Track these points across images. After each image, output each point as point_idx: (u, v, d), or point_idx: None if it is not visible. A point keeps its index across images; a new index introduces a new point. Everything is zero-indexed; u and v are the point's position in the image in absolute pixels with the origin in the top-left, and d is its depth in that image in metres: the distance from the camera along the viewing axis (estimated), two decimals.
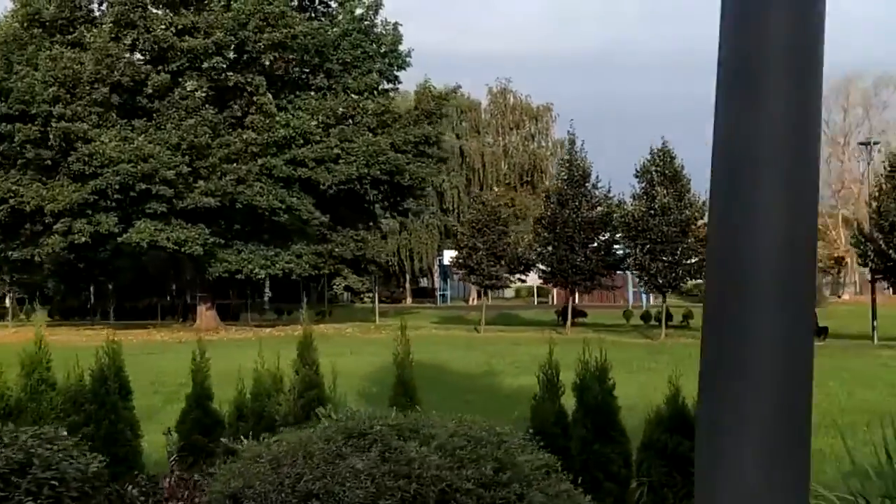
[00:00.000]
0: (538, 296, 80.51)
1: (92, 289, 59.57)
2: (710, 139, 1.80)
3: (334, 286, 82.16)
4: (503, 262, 39.68)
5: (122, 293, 56.11)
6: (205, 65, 37.47)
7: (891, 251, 28.44)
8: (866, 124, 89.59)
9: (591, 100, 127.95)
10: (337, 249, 41.89)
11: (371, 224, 45.17)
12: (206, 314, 43.42)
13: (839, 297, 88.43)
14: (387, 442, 5.00)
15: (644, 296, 59.98)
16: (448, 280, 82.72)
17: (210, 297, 43.88)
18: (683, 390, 20.16)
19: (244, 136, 38.50)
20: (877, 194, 29.56)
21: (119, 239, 36.90)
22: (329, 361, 25.26)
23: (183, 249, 37.53)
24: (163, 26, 37.53)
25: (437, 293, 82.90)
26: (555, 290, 75.61)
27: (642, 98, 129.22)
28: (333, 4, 42.82)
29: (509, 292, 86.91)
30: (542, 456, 5.38)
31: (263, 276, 40.46)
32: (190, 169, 36.74)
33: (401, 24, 42.16)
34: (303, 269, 41.20)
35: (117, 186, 35.31)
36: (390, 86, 43.61)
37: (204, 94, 37.91)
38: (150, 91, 37.44)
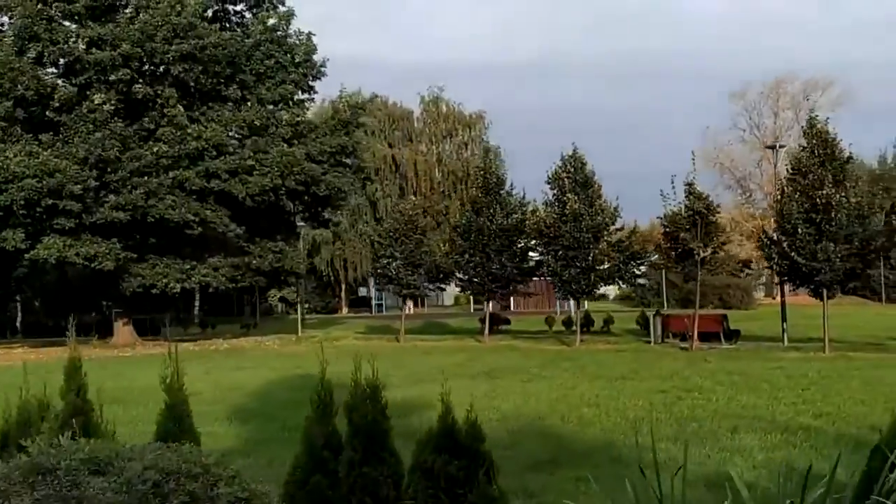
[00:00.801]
0: (475, 303, 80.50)
1: (19, 306, 58.65)
2: None
3: (269, 297, 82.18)
4: (422, 271, 39.54)
5: (48, 309, 55.12)
6: (112, 77, 36.88)
7: (793, 253, 28.68)
8: (796, 127, 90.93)
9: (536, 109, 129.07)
10: (255, 262, 41.46)
11: (289, 236, 44.75)
12: (122, 329, 42.76)
13: (773, 297, 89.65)
14: (73, 478, 4.77)
15: (572, 302, 60.19)
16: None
17: (126, 312, 43.20)
18: (542, 398, 19.77)
19: (155, 149, 37.98)
20: (779, 196, 29.82)
21: (27, 255, 36.18)
22: (224, 376, 24.92)
23: (93, 265, 36.90)
24: (69, 38, 36.92)
25: (373, 303, 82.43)
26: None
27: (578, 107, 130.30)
28: (247, 15, 42.48)
29: (448, 300, 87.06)
30: (248, 486, 5.18)
31: (178, 289, 39.81)
32: (98, 183, 36.16)
33: (314, 34, 42.02)
34: (220, 282, 40.73)
35: (22, 202, 34.59)
36: (306, 96, 43.31)
37: (112, 107, 37.29)
38: (57, 104, 36.75)
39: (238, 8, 43.08)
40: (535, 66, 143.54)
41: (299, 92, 42.16)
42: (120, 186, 37.29)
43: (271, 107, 40.68)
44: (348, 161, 42.50)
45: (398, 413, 16.99)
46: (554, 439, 14.00)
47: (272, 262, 41.84)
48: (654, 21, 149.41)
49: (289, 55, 41.07)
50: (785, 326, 32.84)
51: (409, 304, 79.45)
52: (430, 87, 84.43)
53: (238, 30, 41.66)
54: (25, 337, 51.69)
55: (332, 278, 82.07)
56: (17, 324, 57.89)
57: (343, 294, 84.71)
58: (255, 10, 42.29)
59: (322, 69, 42.44)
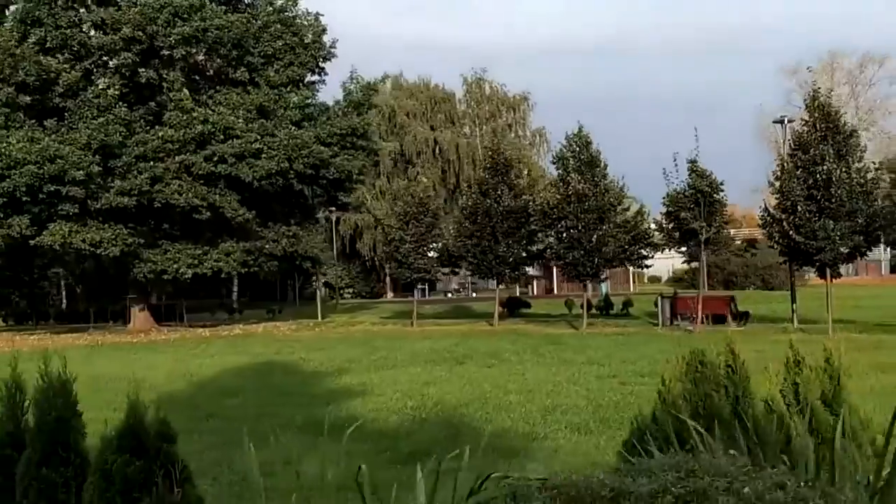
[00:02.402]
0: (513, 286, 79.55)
1: (63, 292, 59.46)
2: None
3: (313, 283, 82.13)
4: (433, 255, 38.81)
5: (87, 296, 55.67)
6: (114, 62, 36.76)
7: (792, 232, 27.34)
8: (852, 103, 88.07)
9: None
10: (268, 246, 41.12)
11: (305, 220, 44.25)
12: (138, 315, 42.83)
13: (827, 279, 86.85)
14: None
15: (602, 285, 58.92)
16: None
17: (142, 297, 43.26)
18: (482, 385, 18.73)
19: (161, 134, 37.79)
20: (779, 174, 28.41)
21: (32, 242, 36.27)
22: (191, 363, 24.39)
23: (98, 251, 36.88)
24: (72, 23, 36.86)
25: (417, 287, 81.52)
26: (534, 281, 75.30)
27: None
28: None
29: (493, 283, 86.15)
30: None
31: (190, 275, 39.62)
32: (101, 168, 35.99)
33: (322, 15, 41.36)
34: (231, 267, 40.44)
35: (24, 188, 34.63)
36: (316, 78, 42.70)
37: (117, 92, 37.20)
38: (62, 90, 36.75)
39: None
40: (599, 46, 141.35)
41: (308, 74, 41.50)
42: (125, 172, 37.19)
43: (279, 89, 40.08)
44: (359, 143, 41.71)
45: (324, 401, 16.46)
46: (453, 429, 13.26)
47: (286, 247, 41.43)
48: None
49: (297, 37, 40.45)
50: (795, 307, 31.44)
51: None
52: (474, 69, 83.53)
53: (246, 11, 41.09)
54: (59, 323, 52.26)
55: (377, 263, 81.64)
56: (63, 308, 58.62)
57: (387, 279, 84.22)
58: None
59: (332, 50, 41.79)
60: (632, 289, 72.05)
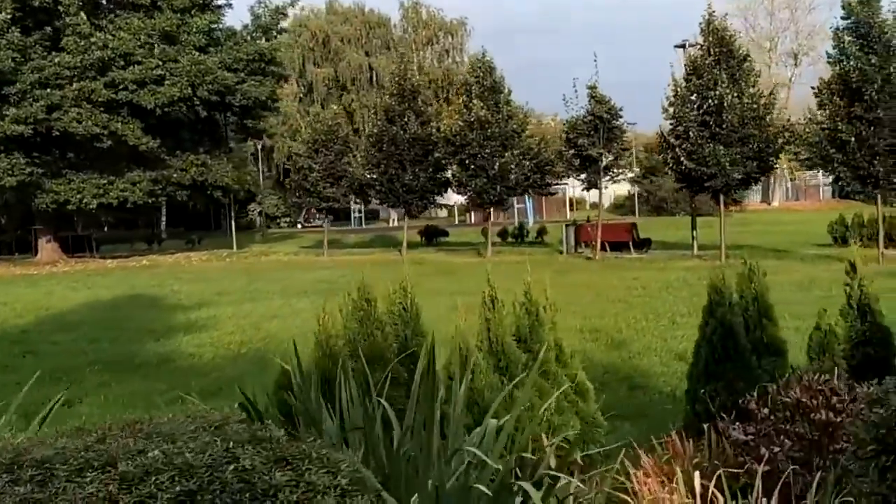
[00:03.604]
0: (459, 215, 79.24)
1: None
2: None
3: (249, 212, 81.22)
4: (342, 183, 38.09)
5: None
6: None
7: (683, 158, 27.01)
8: (792, 28, 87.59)
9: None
10: (175, 175, 40.24)
11: (215, 148, 43.23)
12: (45, 247, 41.90)
13: (769, 203, 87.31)
14: None
15: (529, 212, 58.84)
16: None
17: (50, 229, 42.25)
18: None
19: (57, 60, 36.55)
20: (672, 99, 27.91)
21: None
22: (57, 296, 23.67)
23: None
24: None
25: (353, 216, 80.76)
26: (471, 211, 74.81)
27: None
28: None
29: (442, 212, 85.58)
30: None
31: (95, 205, 38.72)
32: None
33: None
34: (137, 196, 39.43)
35: None
36: (223, 1, 41.36)
37: (9, 16, 35.78)
38: None
39: None
40: None
41: None
42: (20, 99, 36.02)
43: (183, 14, 38.82)
44: (272, 69, 40.68)
45: (157, 336, 15.85)
46: (261, 366, 12.81)
47: (195, 176, 40.60)
48: None
49: None
50: (695, 234, 31.27)
51: (394, 216, 78.84)
52: None
53: None
54: None
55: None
56: None
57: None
58: None
59: None
60: (569, 216, 71.82)
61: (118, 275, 32.44)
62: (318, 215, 68.77)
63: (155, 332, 16.39)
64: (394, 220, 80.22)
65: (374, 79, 78.47)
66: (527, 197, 52.37)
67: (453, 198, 56.66)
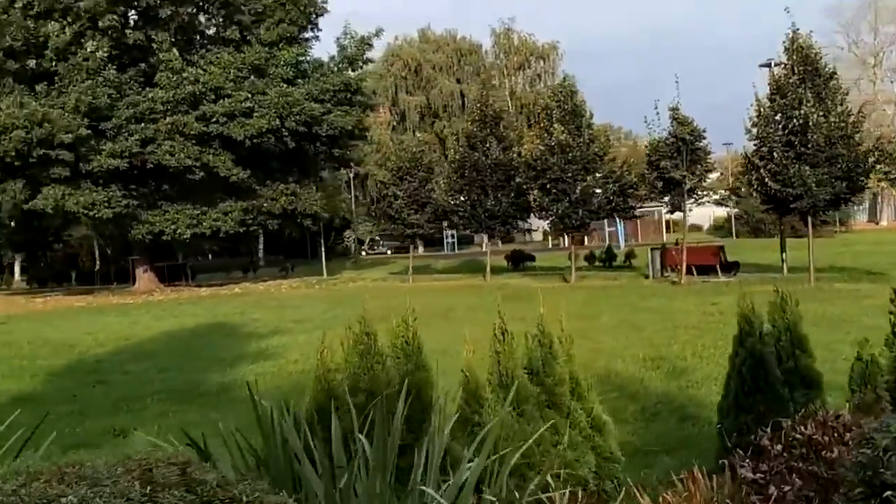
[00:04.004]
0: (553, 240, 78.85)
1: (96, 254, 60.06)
2: None
3: (345, 239, 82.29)
4: (427, 210, 38.31)
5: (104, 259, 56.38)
6: (102, 23, 36.69)
7: (767, 179, 26.41)
8: None
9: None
10: (266, 204, 41.08)
11: (305, 177, 44.02)
12: (143, 277, 43.17)
13: (877, 223, 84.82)
14: None
15: (621, 236, 58.22)
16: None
17: (146, 259, 43.53)
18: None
19: (151, 95, 37.79)
20: (756, 119, 27.33)
21: (26, 206, 36.56)
22: (141, 325, 24.27)
23: (91, 213, 37.07)
24: None
25: (445, 241, 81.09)
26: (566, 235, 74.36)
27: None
28: None
29: (537, 235, 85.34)
30: None
31: (188, 235, 39.80)
32: (90, 131, 36.04)
33: None
34: (230, 226, 40.43)
35: (13, 153, 34.85)
36: (311, 34, 42.23)
37: (106, 54, 37.12)
38: (52, 54, 36.85)
39: None
40: None
41: (301, 31, 40.94)
42: (116, 134, 37.29)
43: (272, 47, 39.74)
44: (354, 99, 41.30)
45: (226, 364, 16.15)
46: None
47: (284, 205, 41.36)
48: None
49: None
50: (784, 257, 30.54)
51: (485, 240, 78.83)
52: (502, 19, 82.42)
53: None
54: (81, 284, 52.83)
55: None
56: (95, 270, 59.29)
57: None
58: None
59: (324, 6, 41.34)
60: (664, 238, 70.82)
61: (207, 303, 33.15)
62: (404, 242, 70.05)
63: (224, 360, 16.70)
64: (486, 245, 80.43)
65: (465, 105, 78.84)
66: (617, 220, 51.87)
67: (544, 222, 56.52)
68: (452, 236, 79.34)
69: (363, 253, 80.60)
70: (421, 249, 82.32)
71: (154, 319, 26.32)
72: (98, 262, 59.93)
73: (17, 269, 62.25)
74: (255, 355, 17.14)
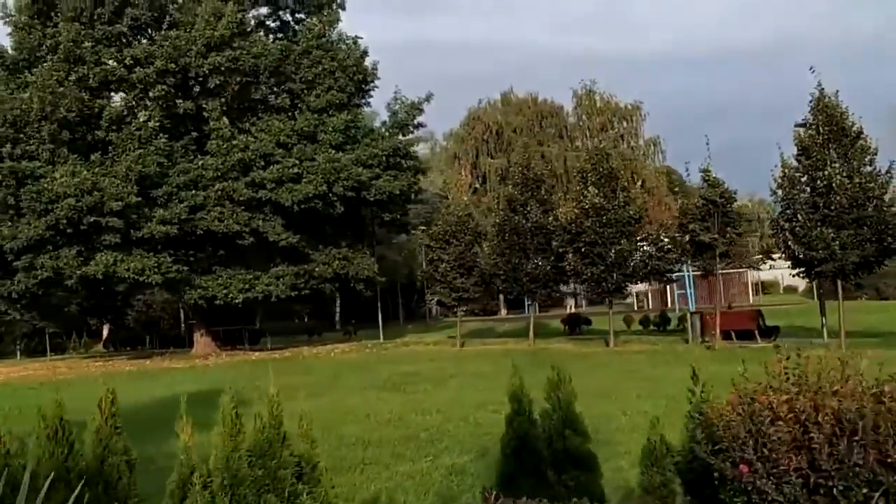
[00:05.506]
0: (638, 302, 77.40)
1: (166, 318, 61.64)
2: None
3: (427, 300, 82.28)
4: (473, 273, 37.98)
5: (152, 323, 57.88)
6: (151, 94, 37.84)
7: (790, 241, 25.41)
8: None
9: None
10: (318, 269, 41.37)
11: (358, 242, 44.26)
12: (200, 340, 43.82)
13: None
14: None
15: (690, 298, 56.54)
16: None
17: (202, 322, 44.21)
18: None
19: (201, 163, 38.67)
20: (780, 181, 26.36)
21: (79, 272, 37.56)
22: (159, 392, 24.37)
23: (141, 279, 37.89)
24: (111, 59, 38.24)
25: (526, 303, 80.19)
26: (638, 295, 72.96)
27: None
28: (297, 25, 42.48)
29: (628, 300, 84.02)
30: None
31: (241, 300, 40.30)
32: (140, 199, 37.00)
33: (360, 38, 41.46)
34: (281, 290, 40.76)
35: (65, 221, 35.94)
36: (362, 100, 42.73)
37: (157, 124, 38.21)
38: (106, 124, 38.10)
39: (296, 16, 43.25)
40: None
41: (346, 98, 41.37)
42: (166, 201, 38.18)
43: (321, 114, 40.34)
44: (405, 163, 41.50)
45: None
46: None
47: (337, 269, 41.57)
48: None
49: (336, 61, 40.55)
50: (824, 321, 29.21)
51: (571, 302, 77.92)
52: (583, 80, 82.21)
53: (287, 38, 41.64)
54: (154, 348, 54.01)
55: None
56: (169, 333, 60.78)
57: (501, 296, 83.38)
58: (309, 16, 42.21)
59: (374, 72, 41.81)
60: (751, 300, 68.76)
61: (245, 368, 33.27)
62: (488, 304, 69.32)
63: (165, 432, 16.56)
64: (570, 306, 79.40)
65: (546, 167, 78.57)
66: (688, 280, 50.54)
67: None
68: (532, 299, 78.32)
69: (444, 316, 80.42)
70: (503, 312, 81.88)
71: (165, 386, 26.50)
72: (182, 326, 61.43)
73: (105, 332, 64.01)
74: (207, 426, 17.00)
